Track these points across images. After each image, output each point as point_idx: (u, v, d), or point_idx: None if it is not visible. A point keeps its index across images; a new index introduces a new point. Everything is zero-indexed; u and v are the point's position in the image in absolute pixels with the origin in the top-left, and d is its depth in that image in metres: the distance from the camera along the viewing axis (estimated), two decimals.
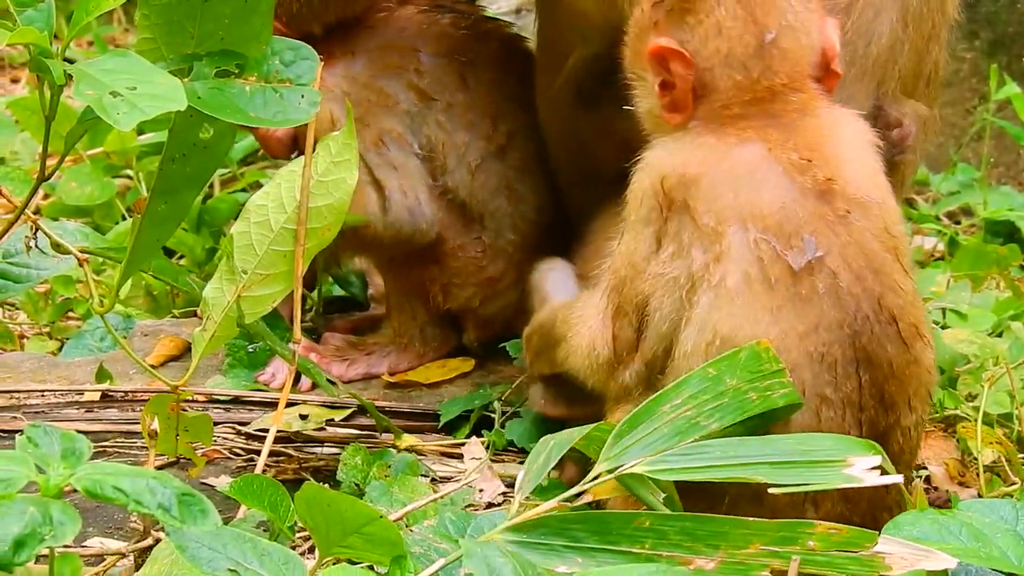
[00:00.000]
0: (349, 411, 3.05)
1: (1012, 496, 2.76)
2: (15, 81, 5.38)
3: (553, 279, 2.94)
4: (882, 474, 2.19)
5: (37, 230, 2.72)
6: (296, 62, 2.48)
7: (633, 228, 2.43)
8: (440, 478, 2.92)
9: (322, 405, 3.06)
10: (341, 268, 3.53)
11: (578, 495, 2.25)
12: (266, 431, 2.74)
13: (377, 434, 3.00)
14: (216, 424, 2.90)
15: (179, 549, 2.03)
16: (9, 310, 3.70)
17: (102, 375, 3.14)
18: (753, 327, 2.30)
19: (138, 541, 2.47)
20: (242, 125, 2.50)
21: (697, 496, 2.25)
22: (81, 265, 2.68)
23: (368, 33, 3.17)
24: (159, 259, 3.47)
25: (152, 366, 3.06)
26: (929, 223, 4.12)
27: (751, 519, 2.13)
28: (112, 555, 2.50)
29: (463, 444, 3.01)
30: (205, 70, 2.43)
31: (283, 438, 2.96)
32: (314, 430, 2.99)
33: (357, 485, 2.82)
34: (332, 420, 3.03)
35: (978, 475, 2.87)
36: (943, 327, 3.30)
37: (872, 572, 2.08)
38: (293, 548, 2.48)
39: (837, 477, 2.19)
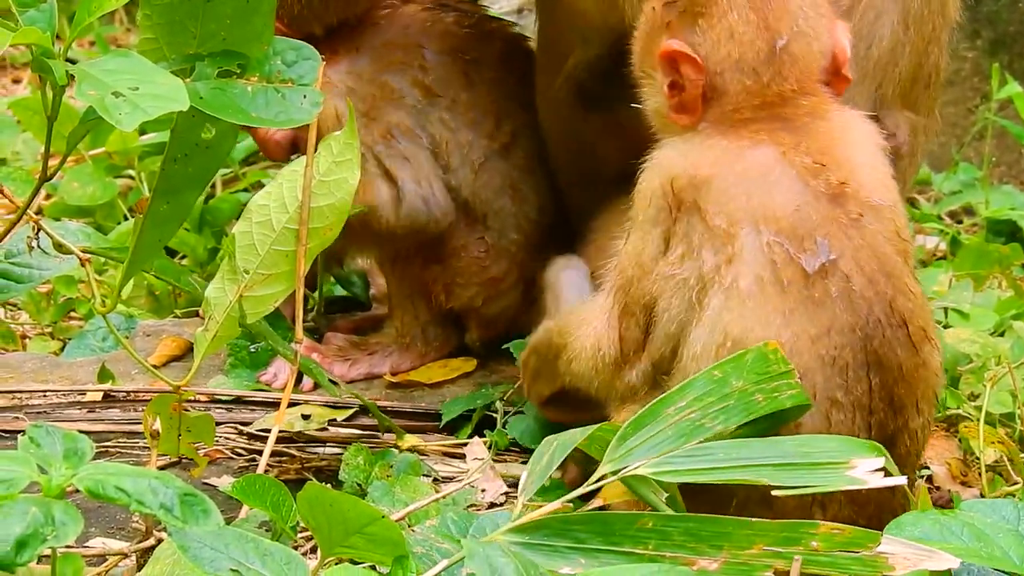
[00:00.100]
0: (351, 411, 3.05)
1: (1014, 496, 2.76)
2: (17, 81, 5.38)
3: (567, 278, 2.94)
4: (886, 476, 2.18)
5: (39, 230, 2.72)
6: (298, 62, 2.48)
7: (641, 228, 2.43)
8: (442, 478, 2.92)
9: (324, 405, 3.06)
10: (343, 267, 3.53)
11: (582, 496, 2.25)
12: (268, 431, 2.74)
13: (379, 434, 3.00)
14: (218, 424, 2.90)
15: (181, 549, 2.03)
16: (11, 310, 3.70)
17: (104, 375, 3.14)
18: (765, 330, 2.30)
19: (140, 541, 2.48)
20: (243, 126, 2.50)
21: (704, 500, 2.24)
22: (83, 265, 2.68)
23: (372, 30, 3.17)
24: (161, 259, 3.48)
25: (154, 366, 3.06)
26: (931, 222, 4.11)
27: (754, 519, 2.13)
28: (114, 555, 2.50)
29: (465, 444, 3.01)
30: (207, 70, 2.43)
31: (285, 438, 2.96)
32: (316, 430, 2.99)
33: (359, 485, 2.82)
34: (334, 420, 3.03)
35: (980, 475, 2.86)
36: (945, 326, 3.30)
37: (875, 572, 2.08)
38: (295, 548, 2.48)
39: (841, 479, 2.19)
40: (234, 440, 2.99)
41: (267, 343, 2.85)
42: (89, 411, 3.07)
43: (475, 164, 3.18)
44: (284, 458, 2.94)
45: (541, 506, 2.22)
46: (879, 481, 2.18)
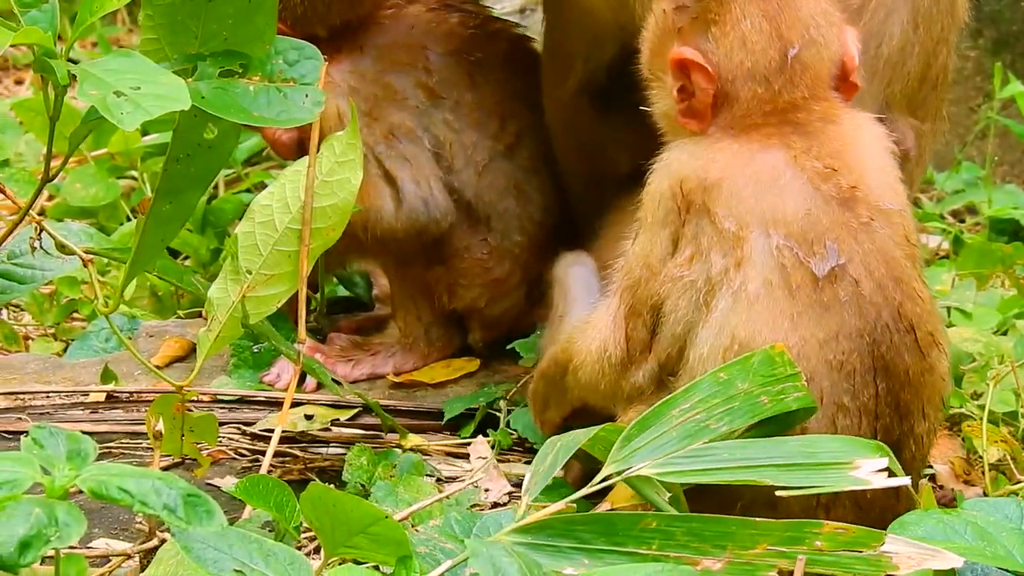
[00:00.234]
0: (354, 411, 3.05)
1: (1017, 495, 2.76)
2: (19, 82, 5.38)
3: (576, 273, 2.94)
4: (889, 476, 2.18)
5: (42, 231, 2.71)
6: (300, 62, 2.48)
7: (649, 229, 2.42)
8: (445, 478, 2.92)
9: (327, 405, 3.06)
10: (346, 269, 3.53)
11: (587, 496, 2.25)
12: (271, 431, 2.74)
13: (382, 434, 3.00)
14: (221, 424, 2.90)
15: (184, 550, 2.03)
16: (14, 311, 3.71)
17: (107, 376, 3.14)
18: (772, 333, 2.30)
19: (143, 542, 2.47)
20: (247, 125, 2.50)
21: (709, 504, 2.24)
22: (86, 266, 2.68)
23: (376, 30, 3.17)
24: (164, 260, 3.47)
25: (157, 367, 3.05)
26: (934, 221, 4.11)
27: (758, 519, 2.13)
28: (117, 556, 2.50)
29: (468, 444, 3.01)
30: (209, 70, 2.43)
31: (288, 438, 2.96)
32: (319, 430, 2.99)
33: (362, 485, 2.82)
34: (337, 420, 3.03)
35: (983, 474, 2.86)
36: (948, 326, 3.29)
37: (879, 572, 2.07)
38: (299, 548, 2.47)
39: (844, 479, 2.18)
40: (237, 440, 2.99)
41: (270, 343, 2.85)
42: (92, 412, 3.07)
43: (479, 165, 3.18)
44: (287, 458, 2.94)
45: (545, 506, 2.22)
46: (883, 481, 2.17)
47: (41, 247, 2.75)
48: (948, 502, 2.77)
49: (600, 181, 3.12)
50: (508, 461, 2.96)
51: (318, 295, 3.49)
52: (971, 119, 4.36)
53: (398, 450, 2.93)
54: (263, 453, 2.76)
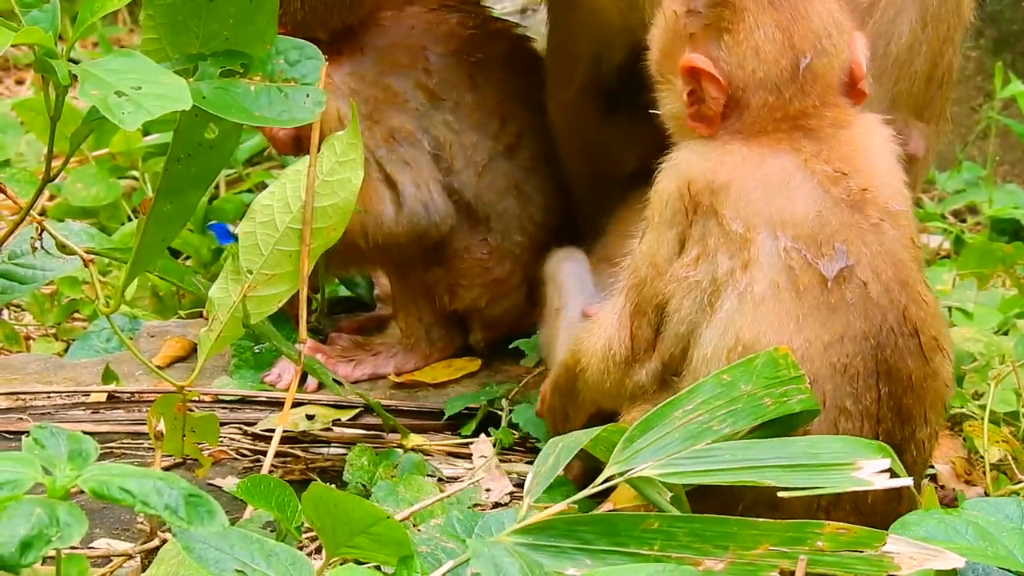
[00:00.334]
0: (355, 411, 3.05)
1: (1018, 495, 2.76)
2: (20, 82, 5.38)
3: (567, 270, 2.94)
4: (891, 477, 2.18)
5: (43, 231, 2.71)
6: (301, 61, 2.48)
7: (656, 229, 2.42)
8: (447, 478, 2.91)
9: (328, 405, 3.06)
10: (348, 274, 3.53)
11: (589, 496, 2.25)
12: (272, 431, 2.74)
13: (384, 434, 3.00)
14: (222, 424, 2.90)
15: (186, 550, 2.03)
16: (15, 311, 3.70)
17: (108, 376, 3.14)
18: (777, 335, 2.30)
19: (145, 542, 2.47)
20: (247, 124, 2.50)
21: (712, 506, 2.23)
22: (87, 266, 2.68)
23: (376, 31, 3.17)
24: (165, 260, 3.47)
25: (158, 367, 3.05)
26: (935, 221, 4.11)
27: (760, 520, 2.13)
28: (119, 556, 2.50)
29: (470, 444, 3.01)
30: (210, 70, 2.43)
31: (289, 438, 2.96)
32: (321, 430, 2.99)
33: (363, 485, 2.82)
34: (339, 420, 3.02)
35: (984, 474, 2.86)
36: (949, 326, 3.29)
37: (881, 572, 2.07)
38: (300, 548, 2.47)
39: (846, 480, 2.18)
40: (238, 440, 2.99)
41: (271, 343, 2.85)
42: (93, 412, 3.07)
43: (479, 166, 3.17)
44: (288, 458, 2.93)
45: (548, 506, 2.22)
46: (885, 482, 2.17)
47: (42, 247, 2.75)
48: (949, 502, 2.77)
49: (605, 181, 3.12)
50: (510, 460, 2.96)
51: (319, 295, 3.49)
52: (972, 119, 4.36)
53: (399, 450, 2.93)
54: (264, 453, 2.76)
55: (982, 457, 2.89)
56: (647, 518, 2.15)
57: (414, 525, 2.57)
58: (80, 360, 3.31)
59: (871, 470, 2.18)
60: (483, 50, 3.21)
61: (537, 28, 3.28)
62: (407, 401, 3.14)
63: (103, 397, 3.11)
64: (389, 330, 3.34)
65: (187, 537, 2.03)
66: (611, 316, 2.49)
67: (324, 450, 2.97)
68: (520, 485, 2.83)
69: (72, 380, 3.20)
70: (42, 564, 2.02)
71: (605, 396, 2.53)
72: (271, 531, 2.52)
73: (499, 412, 3.05)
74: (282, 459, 2.92)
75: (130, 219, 3.98)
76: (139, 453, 2.95)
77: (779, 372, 2.27)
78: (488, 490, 2.85)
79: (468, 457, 2.98)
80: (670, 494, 2.24)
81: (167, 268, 3.46)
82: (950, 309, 3.38)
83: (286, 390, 2.87)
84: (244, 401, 3.10)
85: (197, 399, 3.04)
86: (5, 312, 3.66)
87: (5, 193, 2.76)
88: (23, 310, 3.70)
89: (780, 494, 2.16)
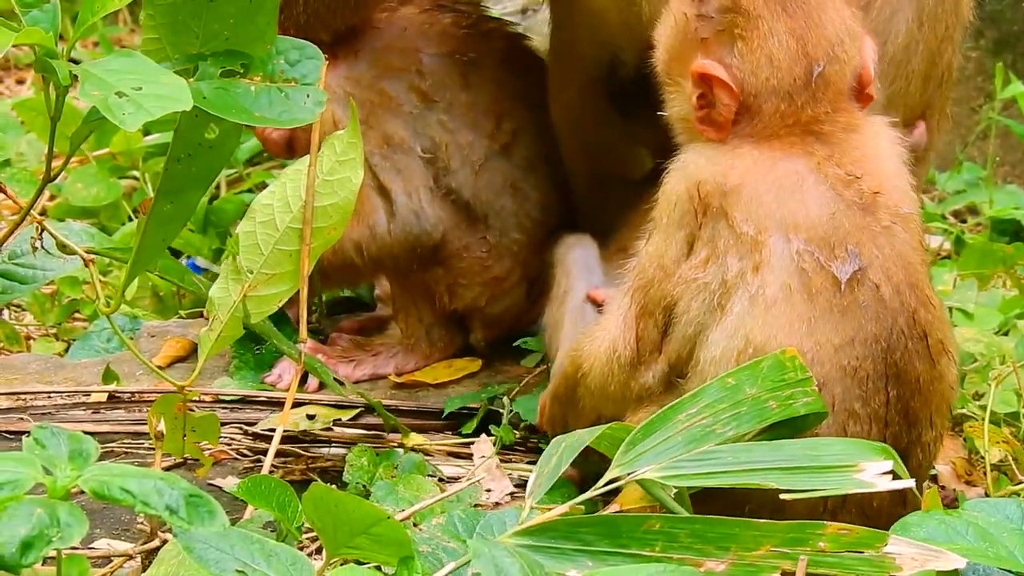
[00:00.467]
0: (356, 411, 3.05)
1: (1019, 495, 2.76)
2: (21, 82, 5.38)
3: (576, 254, 2.93)
4: (894, 479, 2.18)
5: (43, 231, 2.71)
6: (301, 62, 2.47)
7: (664, 231, 2.42)
8: (447, 478, 2.91)
9: (329, 405, 3.06)
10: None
11: (591, 499, 2.25)
12: (273, 431, 2.74)
13: (384, 434, 2.99)
14: (223, 424, 2.90)
15: (186, 550, 2.03)
16: (15, 311, 3.70)
17: (108, 376, 3.14)
18: (788, 337, 2.30)
19: (145, 542, 2.47)
20: (247, 125, 2.50)
21: (715, 508, 2.23)
22: (87, 266, 2.68)
23: (371, 34, 3.17)
24: (165, 260, 3.47)
25: (158, 367, 3.05)
26: (935, 222, 4.11)
27: (762, 521, 2.13)
28: (119, 556, 2.50)
29: (471, 443, 3.01)
30: (210, 70, 2.43)
31: (290, 438, 2.96)
32: (321, 430, 2.99)
33: (364, 485, 2.82)
34: (339, 420, 3.02)
35: (985, 474, 2.86)
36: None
37: (882, 572, 2.07)
38: (300, 549, 2.47)
39: (849, 482, 2.18)
40: (239, 440, 2.99)
41: (272, 343, 2.85)
42: (94, 412, 3.07)
43: (475, 165, 3.17)
44: (289, 458, 2.93)
45: (550, 508, 2.22)
46: (888, 484, 2.17)
47: (42, 247, 2.75)
48: (950, 503, 2.77)
49: (605, 181, 3.12)
50: (511, 460, 2.96)
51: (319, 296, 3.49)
52: (972, 119, 4.35)
53: (400, 450, 2.93)
54: (265, 453, 2.76)
55: (983, 458, 2.89)
56: (648, 519, 2.15)
57: (414, 525, 2.57)
58: (80, 360, 3.31)
59: (873, 472, 2.18)
60: (477, 49, 3.21)
61: (538, 28, 3.28)
62: (408, 401, 3.14)
63: (104, 397, 3.11)
64: (389, 330, 3.34)
65: (187, 537, 2.03)
66: (615, 318, 2.48)
67: (324, 450, 2.97)
68: (520, 485, 2.83)
69: (73, 380, 3.20)
70: (42, 564, 2.01)
71: (608, 400, 2.52)
72: (271, 531, 2.52)
73: (500, 411, 3.05)
74: (282, 459, 2.92)
75: (130, 219, 3.98)
76: (140, 453, 2.95)
77: (785, 375, 2.27)
78: (489, 490, 2.84)
79: (469, 457, 2.98)
80: (675, 492, 2.24)
81: (167, 268, 3.46)
82: (951, 310, 3.38)
83: (287, 390, 2.87)
84: (244, 401, 3.10)
85: (197, 399, 3.04)
86: (6, 312, 3.66)
87: (5, 193, 2.76)
88: (24, 310, 3.70)
89: (782, 496, 2.16)
